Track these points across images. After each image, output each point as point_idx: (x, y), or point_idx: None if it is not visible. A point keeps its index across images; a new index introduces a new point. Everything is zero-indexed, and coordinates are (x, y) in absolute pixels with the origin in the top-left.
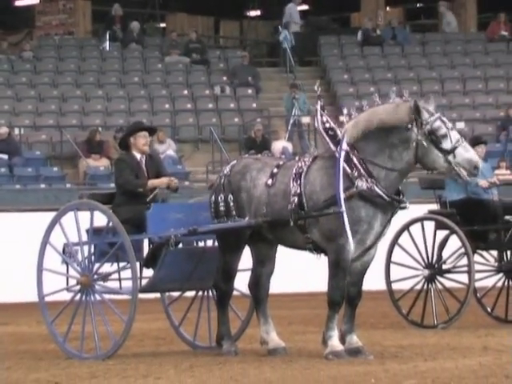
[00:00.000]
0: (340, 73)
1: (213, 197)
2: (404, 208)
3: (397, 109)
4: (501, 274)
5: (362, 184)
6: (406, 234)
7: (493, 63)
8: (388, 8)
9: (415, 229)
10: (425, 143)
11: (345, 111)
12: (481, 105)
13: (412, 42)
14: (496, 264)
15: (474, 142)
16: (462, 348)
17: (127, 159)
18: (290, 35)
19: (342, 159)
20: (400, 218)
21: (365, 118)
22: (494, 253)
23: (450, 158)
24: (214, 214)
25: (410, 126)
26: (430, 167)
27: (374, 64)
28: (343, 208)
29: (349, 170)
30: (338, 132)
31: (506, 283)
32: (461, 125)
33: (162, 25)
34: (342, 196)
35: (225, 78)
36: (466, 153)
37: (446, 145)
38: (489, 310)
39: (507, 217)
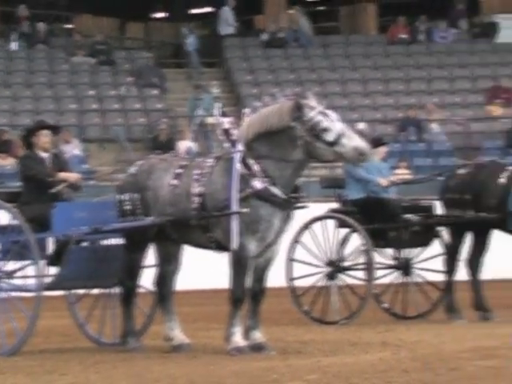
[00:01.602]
0: (244, 74)
1: (119, 196)
2: (303, 207)
3: (281, 109)
4: (398, 272)
5: (257, 184)
6: (307, 232)
7: (393, 65)
8: (291, 11)
9: (317, 227)
10: (309, 139)
11: (245, 112)
12: (381, 106)
13: (314, 44)
14: (393, 262)
15: (375, 143)
16: (362, 343)
17: (32, 156)
18: (195, 38)
19: (237, 160)
20: (302, 217)
21: (256, 120)
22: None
23: (337, 148)
24: (119, 213)
25: (293, 124)
26: (320, 160)
27: (278, 66)
28: (237, 208)
29: (245, 171)
30: (236, 133)
31: (404, 280)
32: (362, 125)
33: (69, 26)
34: (236, 197)
35: (130, 79)
36: (351, 141)
37: (330, 137)
38: (385, 305)
39: (406, 215)
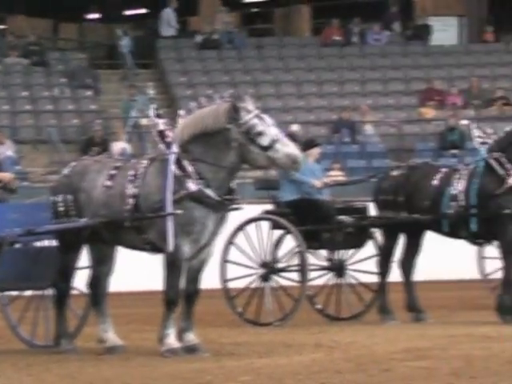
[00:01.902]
0: (178, 76)
1: (52, 197)
2: (237, 208)
3: (217, 110)
4: (331, 273)
5: (191, 186)
6: (241, 233)
7: (326, 67)
8: (225, 12)
9: (251, 228)
10: (244, 142)
11: (180, 113)
12: (315, 108)
13: (248, 46)
14: (327, 263)
15: (308, 144)
16: (296, 345)
17: None
18: (129, 40)
19: (171, 162)
20: (236, 218)
21: (191, 122)
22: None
23: (270, 153)
24: (53, 215)
25: (229, 126)
26: (253, 165)
27: (212, 67)
28: (171, 210)
29: (179, 173)
30: (170, 135)
31: (337, 282)
32: (295, 127)
33: (2, 27)
34: (171, 198)
35: (64, 80)
36: (285, 148)
37: (264, 141)
38: (319, 307)
39: (340, 217)
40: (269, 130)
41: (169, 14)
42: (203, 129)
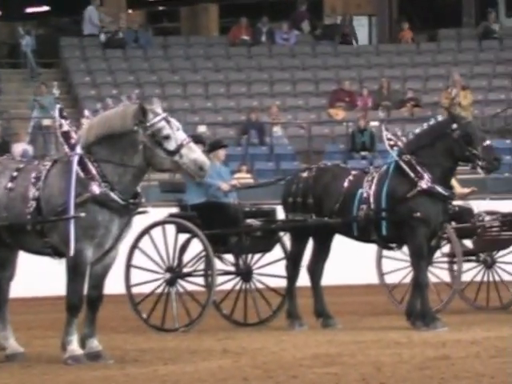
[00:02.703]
0: (82, 75)
1: None
2: (143, 212)
3: (125, 112)
4: (238, 278)
5: (95, 189)
6: (146, 237)
7: (234, 67)
8: (130, 11)
9: (156, 232)
10: (150, 145)
11: (86, 114)
12: (222, 108)
13: (154, 45)
14: (234, 268)
15: (215, 145)
16: (202, 351)
17: None
18: (32, 38)
19: (75, 164)
20: (141, 222)
21: (97, 123)
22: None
23: (176, 158)
24: None
25: (136, 128)
26: (159, 168)
27: (117, 67)
28: (74, 213)
29: (83, 175)
30: (75, 136)
31: (244, 287)
32: (203, 128)
33: None
34: (73, 201)
35: None
36: (192, 153)
37: (170, 145)
38: (225, 312)
39: (248, 220)
40: (176, 134)
41: (91, 12)
42: (110, 130)
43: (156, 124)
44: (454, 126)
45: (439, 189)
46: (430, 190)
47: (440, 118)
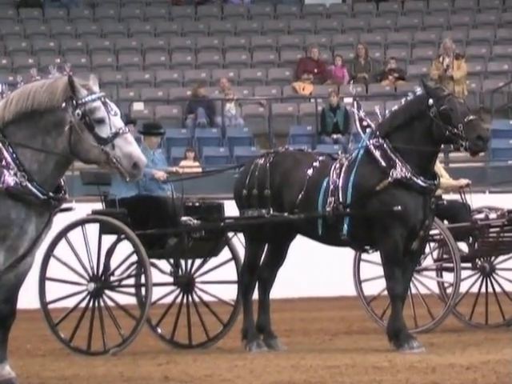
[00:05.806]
0: None
1: None
2: (67, 209)
3: (52, 85)
4: (176, 288)
5: (8, 179)
6: (63, 241)
7: (178, 31)
8: None
9: (75, 234)
10: (77, 127)
11: (1, 87)
12: (163, 81)
13: (79, 3)
14: (172, 277)
15: (149, 129)
16: (139, 378)
17: None
18: None
19: None
20: (57, 223)
21: (17, 98)
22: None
23: (107, 149)
24: None
25: (64, 105)
26: (84, 158)
27: (34, 30)
28: None
29: None
30: None
31: (183, 300)
32: (139, 106)
33: None
34: None
35: None
36: (127, 146)
37: (103, 132)
38: (159, 331)
39: (189, 218)
40: (112, 119)
41: None
42: (34, 106)
43: (89, 103)
44: (431, 101)
45: (416, 179)
46: (405, 180)
47: (419, 91)
